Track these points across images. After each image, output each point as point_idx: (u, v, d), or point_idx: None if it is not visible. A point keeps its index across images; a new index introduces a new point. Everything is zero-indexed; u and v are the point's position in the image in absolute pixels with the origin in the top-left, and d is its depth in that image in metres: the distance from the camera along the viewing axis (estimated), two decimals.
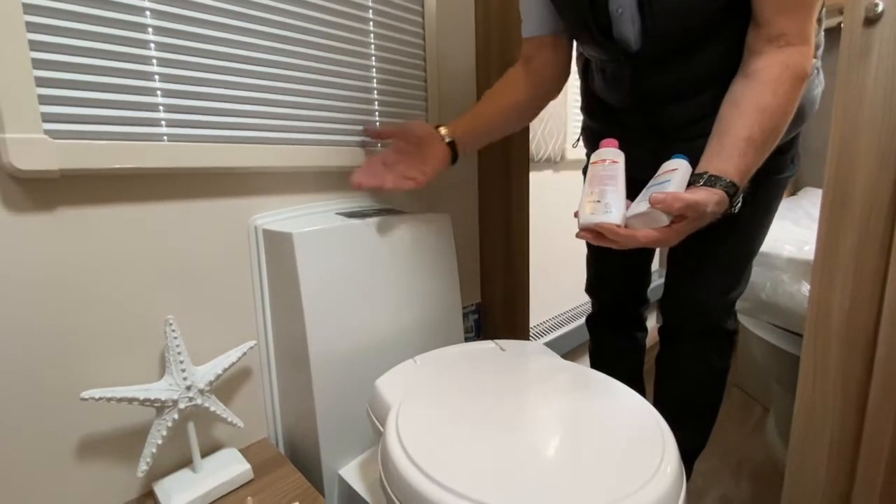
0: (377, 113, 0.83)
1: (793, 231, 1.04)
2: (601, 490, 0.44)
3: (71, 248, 0.56)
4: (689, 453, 0.90)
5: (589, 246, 0.97)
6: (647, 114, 0.72)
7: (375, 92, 0.83)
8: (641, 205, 0.56)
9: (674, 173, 0.58)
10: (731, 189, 0.56)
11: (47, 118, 0.52)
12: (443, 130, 0.77)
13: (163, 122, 0.60)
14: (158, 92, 0.60)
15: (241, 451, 0.71)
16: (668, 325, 0.87)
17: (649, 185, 0.61)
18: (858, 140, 0.61)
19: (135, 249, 0.61)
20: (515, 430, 0.55)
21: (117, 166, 0.56)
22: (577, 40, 0.76)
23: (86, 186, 0.57)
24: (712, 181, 0.56)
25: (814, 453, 0.68)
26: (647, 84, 0.69)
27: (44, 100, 0.52)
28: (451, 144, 0.77)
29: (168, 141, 0.61)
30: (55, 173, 0.53)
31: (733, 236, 0.75)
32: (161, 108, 0.60)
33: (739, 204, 0.59)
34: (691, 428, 0.86)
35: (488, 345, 0.80)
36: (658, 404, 0.61)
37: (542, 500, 0.43)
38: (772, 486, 1.09)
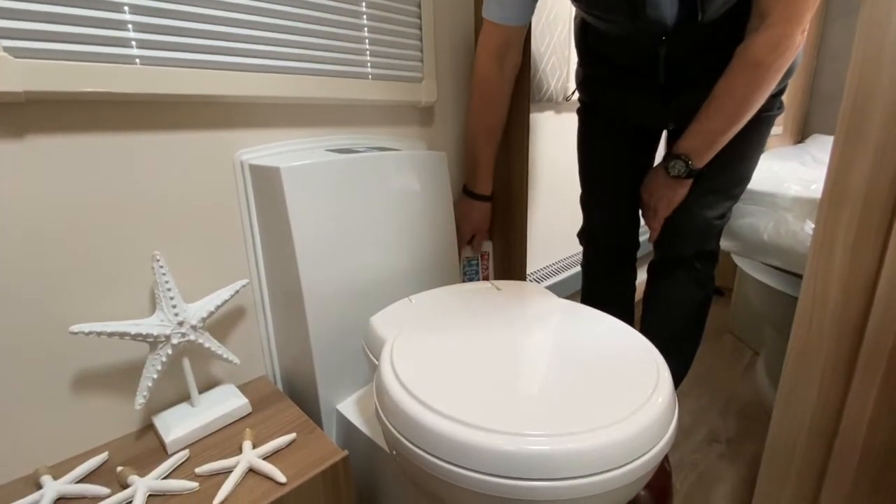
0: (367, 40, 0.78)
1: (799, 171, 1.01)
2: (593, 415, 0.45)
3: (44, 178, 0.54)
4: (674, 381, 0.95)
5: (583, 188, 0.97)
6: (662, 70, 0.74)
7: (365, 17, 0.77)
8: None
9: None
10: (679, 161, 0.75)
11: (5, 33, 0.48)
12: (480, 193, 0.95)
13: (133, 43, 0.56)
14: (126, 8, 0.54)
15: (239, 387, 0.71)
16: (661, 257, 0.90)
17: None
18: (880, 66, 0.57)
19: (113, 182, 0.59)
20: (510, 360, 0.55)
21: (86, 90, 0.53)
22: (600, 22, 0.75)
23: (56, 113, 0.54)
24: (673, 156, 0.76)
25: (804, 387, 0.69)
26: (673, 51, 0.71)
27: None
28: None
29: (141, 64, 0.57)
30: (20, 96, 0.50)
31: (725, 167, 0.79)
32: (130, 26, 0.55)
33: (685, 168, 0.75)
34: (678, 356, 0.90)
35: (484, 285, 0.79)
36: (646, 335, 0.62)
37: (534, 424, 0.44)
38: (758, 424, 1.13)
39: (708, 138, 0.73)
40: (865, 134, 0.59)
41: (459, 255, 0.98)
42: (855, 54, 0.59)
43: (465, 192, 0.97)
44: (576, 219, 1.01)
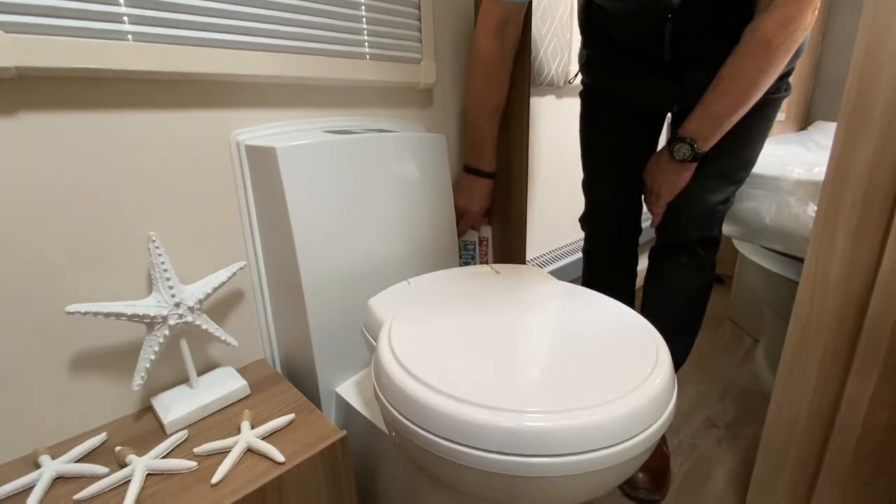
0: (365, 19, 0.76)
1: (802, 155, 1.00)
2: (591, 393, 0.45)
3: (37, 156, 0.53)
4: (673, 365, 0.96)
5: (586, 172, 0.96)
6: (669, 50, 0.73)
7: None
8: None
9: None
10: (684, 145, 0.74)
11: None
12: (487, 170, 0.94)
13: (125, 18, 0.54)
14: None
15: (238, 370, 0.71)
16: (663, 242, 0.89)
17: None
18: (886, 45, 0.56)
19: (108, 161, 0.58)
20: (509, 340, 0.55)
21: (77, 66, 0.52)
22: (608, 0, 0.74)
23: (48, 89, 0.53)
24: (678, 139, 0.75)
25: (804, 368, 0.69)
26: (679, 29, 0.70)
27: None
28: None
29: (133, 40, 0.55)
30: (11, 71, 0.49)
31: (730, 151, 0.78)
32: (122, 0, 0.54)
33: (691, 151, 0.74)
34: (679, 341, 0.90)
35: (483, 268, 0.79)
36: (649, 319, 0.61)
37: (533, 400, 0.43)
38: (756, 409, 1.14)
39: (714, 121, 0.71)
40: (870, 113, 0.58)
41: (459, 236, 0.98)
42: (861, 33, 0.57)
43: (470, 171, 0.95)
44: (577, 206, 1.00)
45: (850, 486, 0.69)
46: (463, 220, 0.96)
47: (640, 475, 0.86)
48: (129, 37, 0.55)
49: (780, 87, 0.77)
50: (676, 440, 1.02)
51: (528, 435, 0.41)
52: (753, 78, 0.67)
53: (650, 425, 0.45)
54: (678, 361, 0.93)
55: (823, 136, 1.46)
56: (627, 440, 0.43)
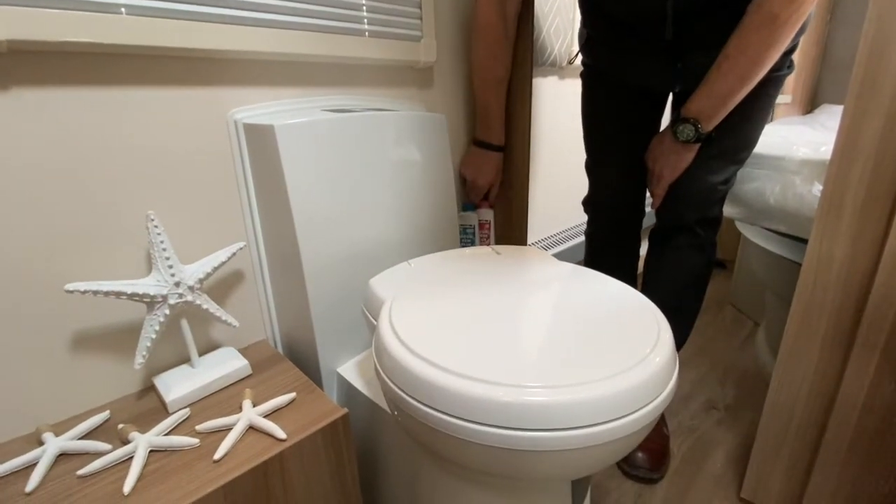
0: None
1: (808, 135, 0.99)
2: (591, 369, 0.44)
3: (31, 132, 0.52)
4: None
5: (588, 154, 0.95)
6: (670, 26, 0.72)
7: None
8: None
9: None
10: (687, 125, 0.74)
11: None
12: (496, 143, 0.95)
13: None
14: None
15: (239, 350, 0.71)
16: (664, 223, 0.89)
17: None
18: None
19: (103, 139, 0.57)
20: (510, 317, 0.54)
21: (70, 39, 0.51)
22: None
23: (41, 64, 0.52)
24: (681, 119, 0.74)
25: (806, 348, 0.69)
26: (681, 6, 0.69)
27: None
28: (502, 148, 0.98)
29: (126, 14, 0.54)
30: (2, 45, 0.48)
31: (732, 130, 0.77)
32: None
33: (694, 132, 0.74)
34: (679, 320, 0.91)
35: (484, 249, 0.78)
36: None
37: (534, 376, 0.43)
38: (756, 392, 1.14)
39: (718, 100, 0.70)
40: (879, 89, 0.57)
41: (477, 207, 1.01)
42: (872, 6, 0.56)
43: (479, 145, 0.96)
44: (579, 189, 1.00)
45: (849, 464, 0.69)
46: (471, 193, 0.97)
47: (640, 454, 0.87)
48: (123, 10, 0.54)
49: (783, 64, 0.76)
50: (676, 421, 1.03)
51: (528, 409, 0.41)
52: (759, 53, 0.65)
53: (651, 401, 0.45)
54: (678, 342, 0.93)
55: (830, 118, 1.44)
56: (627, 415, 0.43)
